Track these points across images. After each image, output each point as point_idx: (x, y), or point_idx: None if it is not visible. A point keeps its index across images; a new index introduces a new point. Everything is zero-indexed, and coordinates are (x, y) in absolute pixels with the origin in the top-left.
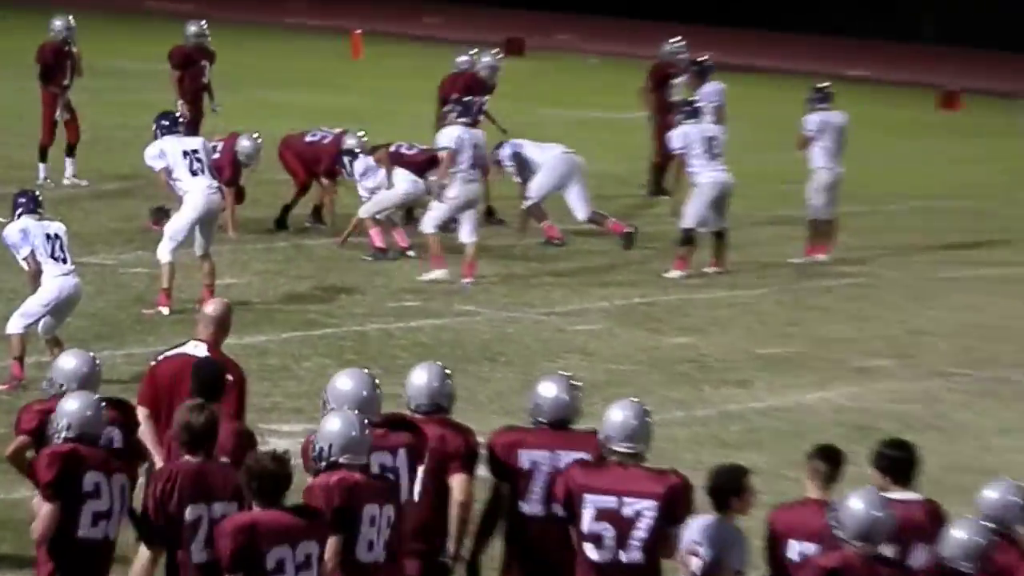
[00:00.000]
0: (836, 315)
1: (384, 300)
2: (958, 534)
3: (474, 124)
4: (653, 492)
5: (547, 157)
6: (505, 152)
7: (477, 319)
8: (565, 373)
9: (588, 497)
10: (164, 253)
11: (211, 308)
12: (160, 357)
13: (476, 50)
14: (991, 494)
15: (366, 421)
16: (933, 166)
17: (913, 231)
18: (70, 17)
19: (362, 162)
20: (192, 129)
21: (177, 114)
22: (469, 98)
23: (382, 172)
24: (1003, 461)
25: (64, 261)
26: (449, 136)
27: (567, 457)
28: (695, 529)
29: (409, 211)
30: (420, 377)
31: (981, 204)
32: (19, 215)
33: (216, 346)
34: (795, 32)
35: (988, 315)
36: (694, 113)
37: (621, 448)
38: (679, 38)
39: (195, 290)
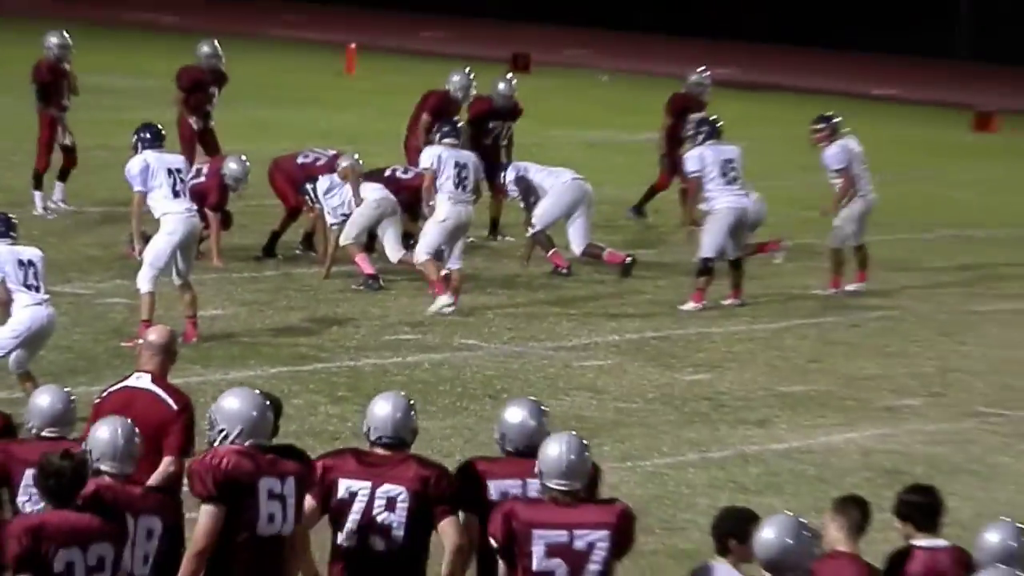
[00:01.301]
0: (863, 351)
1: (379, 333)
2: None
3: (465, 144)
4: (605, 522)
5: (555, 183)
6: (510, 176)
7: (479, 354)
8: (533, 399)
9: (536, 533)
10: (144, 282)
11: (154, 336)
12: (103, 393)
13: (469, 70)
14: (993, 537)
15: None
16: (967, 191)
17: (946, 261)
18: (65, 32)
19: (324, 182)
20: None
21: (160, 127)
22: (457, 120)
23: (347, 189)
24: None
25: (37, 290)
26: (428, 156)
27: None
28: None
29: (407, 236)
30: (383, 408)
31: (1019, 232)
32: None
33: (162, 376)
34: (817, 47)
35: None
36: (713, 133)
37: (554, 485)
38: (705, 69)
39: (177, 322)
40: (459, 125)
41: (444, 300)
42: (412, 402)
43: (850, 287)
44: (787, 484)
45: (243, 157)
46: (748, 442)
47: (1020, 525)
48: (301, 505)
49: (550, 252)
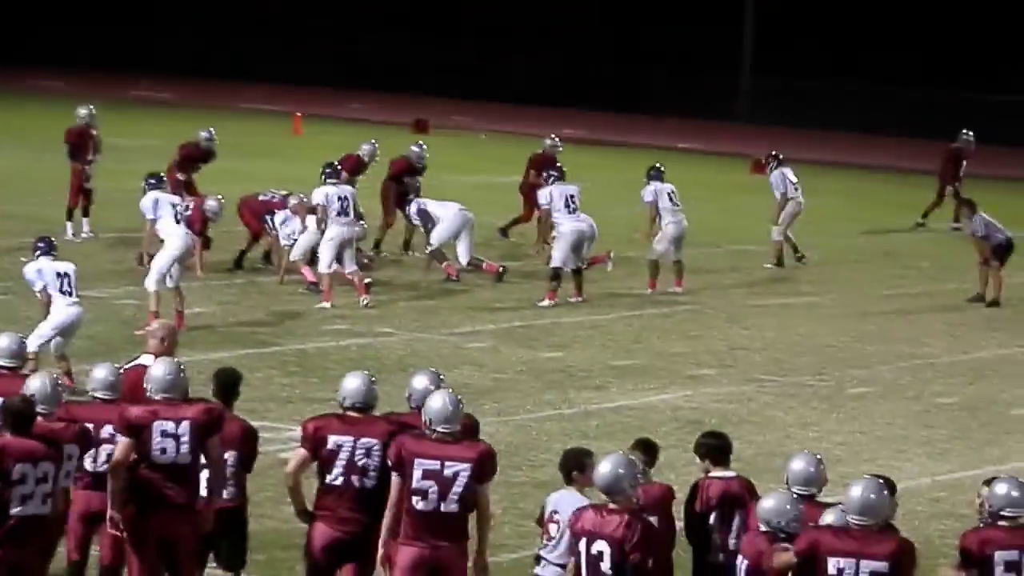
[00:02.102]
0: (672, 334)
1: (319, 324)
2: (769, 502)
3: (344, 181)
4: (469, 457)
5: (446, 213)
6: (413, 209)
7: (393, 338)
8: (433, 369)
9: (417, 460)
10: (151, 283)
11: (157, 326)
12: (123, 368)
13: (375, 142)
14: (797, 464)
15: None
16: (746, 218)
17: (731, 268)
18: (91, 107)
19: (280, 215)
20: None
21: (162, 174)
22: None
23: (297, 219)
24: (802, 447)
25: (70, 294)
26: (319, 193)
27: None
28: (552, 502)
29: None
30: (353, 382)
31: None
32: (37, 256)
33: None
34: (639, 113)
35: (790, 334)
36: (560, 176)
37: (441, 429)
38: (556, 137)
39: (169, 316)
40: (339, 169)
41: (326, 305)
42: (374, 377)
43: (671, 289)
44: (617, 433)
45: (219, 196)
46: (589, 402)
47: (816, 455)
48: (198, 441)
49: (444, 264)
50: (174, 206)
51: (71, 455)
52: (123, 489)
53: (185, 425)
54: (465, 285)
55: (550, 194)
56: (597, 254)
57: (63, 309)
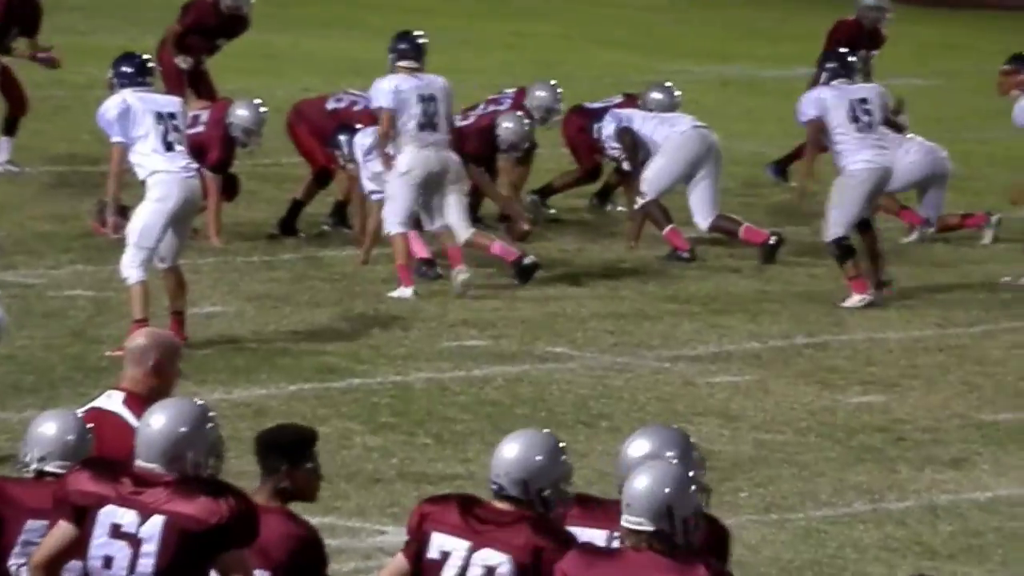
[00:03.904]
0: None
1: (436, 338)
2: None
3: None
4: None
5: (669, 134)
6: (608, 128)
7: (570, 366)
8: (665, 425)
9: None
10: (131, 268)
11: (141, 342)
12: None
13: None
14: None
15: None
16: None
17: None
18: None
19: (366, 134)
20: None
21: (146, 58)
22: None
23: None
24: None
25: None
26: (381, 90)
27: None
28: None
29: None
30: (512, 449)
31: None
32: None
33: (152, 396)
34: None
35: None
36: (845, 69)
37: (642, 525)
38: None
39: (161, 320)
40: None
41: (406, 293)
42: (562, 445)
43: None
44: (991, 547)
45: (256, 101)
46: (939, 489)
47: None
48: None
49: (666, 229)
50: (164, 118)
51: None
52: None
53: (155, 523)
54: (704, 269)
55: (820, 100)
56: (965, 213)
57: None
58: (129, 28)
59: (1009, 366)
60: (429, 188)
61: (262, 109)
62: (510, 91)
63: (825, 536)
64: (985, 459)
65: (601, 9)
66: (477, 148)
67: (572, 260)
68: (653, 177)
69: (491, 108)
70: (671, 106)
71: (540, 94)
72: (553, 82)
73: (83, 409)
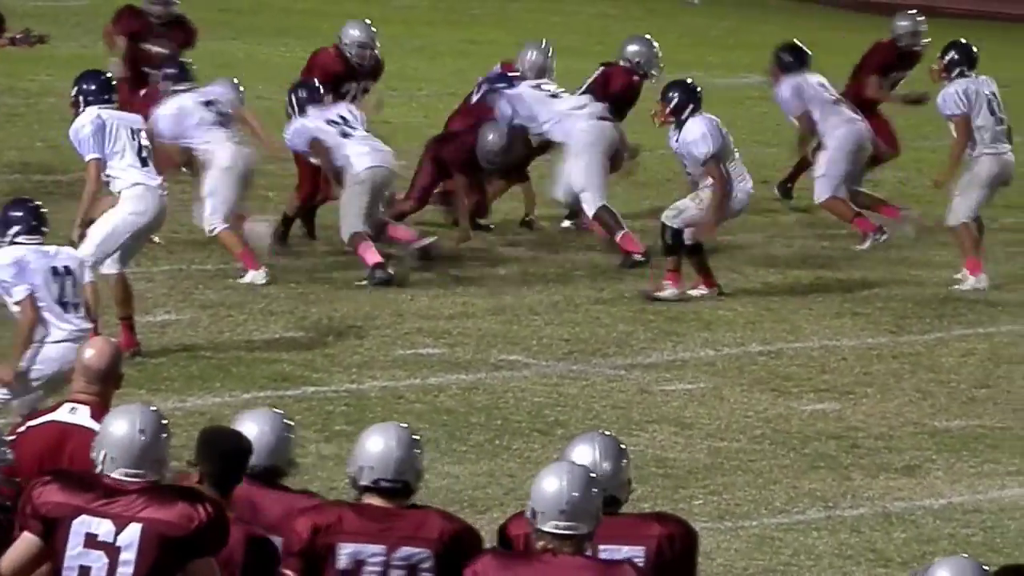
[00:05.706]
0: None
1: (390, 346)
2: None
3: None
4: None
5: (570, 131)
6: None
7: (525, 374)
8: (606, 433)
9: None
10: (109, 268)
11: (90, 354)
12: (22, 427)
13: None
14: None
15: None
16: None
17: None
18: None
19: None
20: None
21: (109, 75)
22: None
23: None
24: None
25: None
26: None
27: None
28: None
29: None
30: (377, 444)
31: None
32: None
33: (103, 407)
34: None
35: None
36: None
37: (550, 528)
38: (917, 11)
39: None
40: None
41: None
42: (416, 436)
43: None
44: (945, 554)
45: (367, 21)
46: (893, 496)
47: None
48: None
49: (619, 235)
50: (135, 134)
51: None
52: None
53: (133, 531)
54: (659, 276)
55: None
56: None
57: None
58: (81, 36)
59: (962, 373)
60: None
61: (373, 29)
62: (497, 68)
63: (779, 543)
64: (938, 466)
65: (554, 16)
66: (456, 154)
67: (526, 268)
68: (586, 181)
69: (483, 89)
70: (544, 69)
71: (531, 56)
72: (544, 42)
73: (37, 422)
